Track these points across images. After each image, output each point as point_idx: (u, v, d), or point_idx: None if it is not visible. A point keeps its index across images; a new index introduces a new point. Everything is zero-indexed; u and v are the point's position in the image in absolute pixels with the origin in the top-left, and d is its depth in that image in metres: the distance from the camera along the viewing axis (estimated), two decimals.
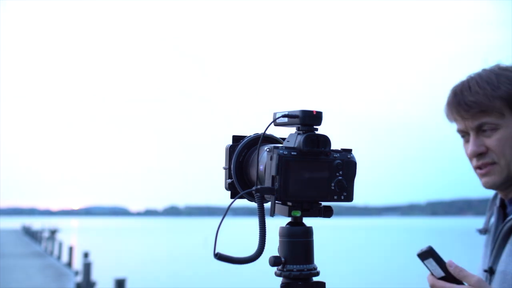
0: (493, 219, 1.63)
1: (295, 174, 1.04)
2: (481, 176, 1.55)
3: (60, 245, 30.22)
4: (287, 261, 1.07)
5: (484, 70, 1.57)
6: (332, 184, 1.06)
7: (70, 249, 25.65)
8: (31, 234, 47.65)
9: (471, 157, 1.54)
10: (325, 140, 1.06)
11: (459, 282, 1.34)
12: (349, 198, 1.08)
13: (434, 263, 1.37)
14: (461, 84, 1.57)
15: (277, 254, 1.09)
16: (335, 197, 1.07)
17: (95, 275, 18.34)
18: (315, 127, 1.07)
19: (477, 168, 1.56)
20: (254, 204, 1.06)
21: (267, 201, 1.07)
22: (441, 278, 1.36)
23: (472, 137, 1.53)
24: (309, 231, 1.10)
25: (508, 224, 1.46)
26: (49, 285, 17.82)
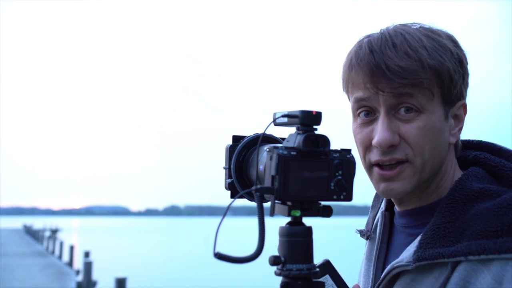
0: (378, 224, 1.30)
1: (294, 173, 1.04)
2: (385, 179, 1.12)
3: (61, 244, 30.28)
4: (287, 261, 1.07)
5: (405, 26, 1.12)
6: (332, 184, 1.07)
7: (71, 249, 25.70)
8: (32, 234, 47.71)
9: (381, 146, 1.09)
10: (324, 140, 1.06)
11: None
12: (349, 197, 1.08)
13: (330, 281, 1.17)
14: (380, 39, 1.10)
15: (277, 254, 1.09)
16: (335, 197, 1.07)
17: (96, 275, 18.36)
18: (314, 127, 1.07)
19: (378, 165, 1.12)
20: (254, 204, 1.06)
21: (266, 201, 1.07)
22: None
23: (384, 119, 1.09)
24: (308, 231, 1.10)
25: (395, 271, 1.12)
26: (50, 284, 17.83)
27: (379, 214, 1.32)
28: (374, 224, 1.33)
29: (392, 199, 1.24)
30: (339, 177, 1.07)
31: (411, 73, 1.06)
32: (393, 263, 1.13)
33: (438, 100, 1.10)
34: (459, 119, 1.17)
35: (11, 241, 40.48)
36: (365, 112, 1.14)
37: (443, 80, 1.08)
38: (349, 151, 1.10)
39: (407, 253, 1.11)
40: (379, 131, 1.10)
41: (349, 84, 1.15)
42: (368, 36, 1.14)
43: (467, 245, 1.02)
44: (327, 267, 1.18)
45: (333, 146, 1.08)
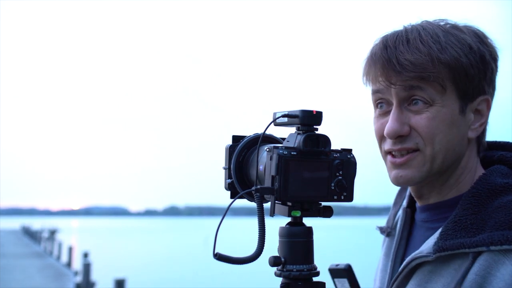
0: (398, 221, 1.30)
1: (295, 174, 1.03)
2: (396, 166, 1.15)
3: (60, 245, 30.24)
4: (287, 261, 1.07)
5: (428, 23, 1.16)
6: (332, 184, 1.06)
7: (70, 249, 25.66)
8: (31, 234, 47.70)
9: (389, 136, 1.14)
10: (325, 140, 1.05)
11: None
12: (349, 198, 1.08)
13: (347, 285, 1.20)
14: (396, 35, 1.15)
15: (277, 254, 1.09)
16: (335, 197, 1.07)
17: (94, 275, 18.32)
18: (315, 127, 1.06)
19: (390, 153, 1.17)
20: (254, 204, 1.06)
21: (266, 201, 1.06)
22: None
23: (394, 111, 1.14)
24: (309, 231, 1.09)
25: (414, 262, 1.11)
26: (48, 285, 17.82)
27: (400, 211, 1.31)
28: (395, 221, 1.33)
29: (413, 194, 1.24)
30: (340, 178, 1.06)
31: (418, 67, 1.10)
32: (413, 254, 1.12)
33: (452, 94, 1.12)
34: (481, 114, 1.16)
35: (9, 242, 40.45)
36: (381, 104, 1.19)
37: (457, 75, 1.11)
38: (349, 151, 1.09)
39: (427, 245, 1.11)
40: (389, 122, 1.14)
41: (367, 78, 1.20)
42: (389, 32, 1.19)
43: (490, 235, 1.02)
44: (347, 272, 1.20)
45: (333, 146, 1.08)
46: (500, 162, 1.18)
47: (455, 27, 1.15)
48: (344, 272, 1.21)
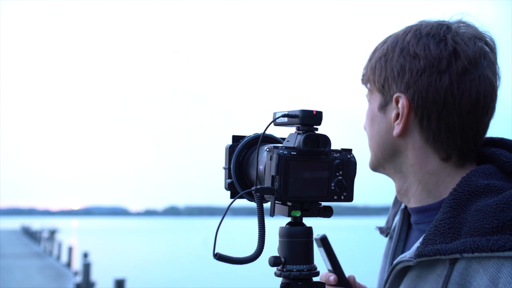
0: (397, 222, 1.32)
1: (294, 174, 1.03)
2: None
3: (60, 245, 30.22)
4: (287, 261, 1.07)
5: (413, 27, 1.19)
6: (332, 184, 1.06)
7: (70, 250, 25.64)
8: (31, 234, 47.71)
9: None
10: (325, 140, 1.05)
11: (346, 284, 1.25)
12: (349, 198, 1.08)
13: (324, 254, 1.26)
14: None
15: (277, 254, 1.08)
16: (335, 197, 1.06)
17: (94, 276, 18.32)
18: (315, 126, 1.06)
19: None
20: (254, 204, 1.06)
21: (266, 201, 1.06)
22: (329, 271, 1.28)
23: None
24: (309, 231, 1.09)
25: (399, 266, 1.11)
26: (48, 285, 17.82)
27: (399, 214, 1.31)
28: (394, 221, 1.33)
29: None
30: (340, 178, 1.06)
31: (363, 69, 1.25)
32: (398, 258, 1.12)
33: (376, 94, 1.21)
34: (397, 112, 1.15)
35: (9, 242, 40.45)
36: None
37: (376, 75, 1.19)
38: (349, 151, 1.09)
39: (412, 249, 1.10)
40: None
41: None
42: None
43: (463, 242, 0.99)
44: (322, 242, 1.26)
45: (333, 146, 1.08)
46: (489, 160, 1.14)
47: (428, 31, 1.14)
48: (320, 242, 1.27)
